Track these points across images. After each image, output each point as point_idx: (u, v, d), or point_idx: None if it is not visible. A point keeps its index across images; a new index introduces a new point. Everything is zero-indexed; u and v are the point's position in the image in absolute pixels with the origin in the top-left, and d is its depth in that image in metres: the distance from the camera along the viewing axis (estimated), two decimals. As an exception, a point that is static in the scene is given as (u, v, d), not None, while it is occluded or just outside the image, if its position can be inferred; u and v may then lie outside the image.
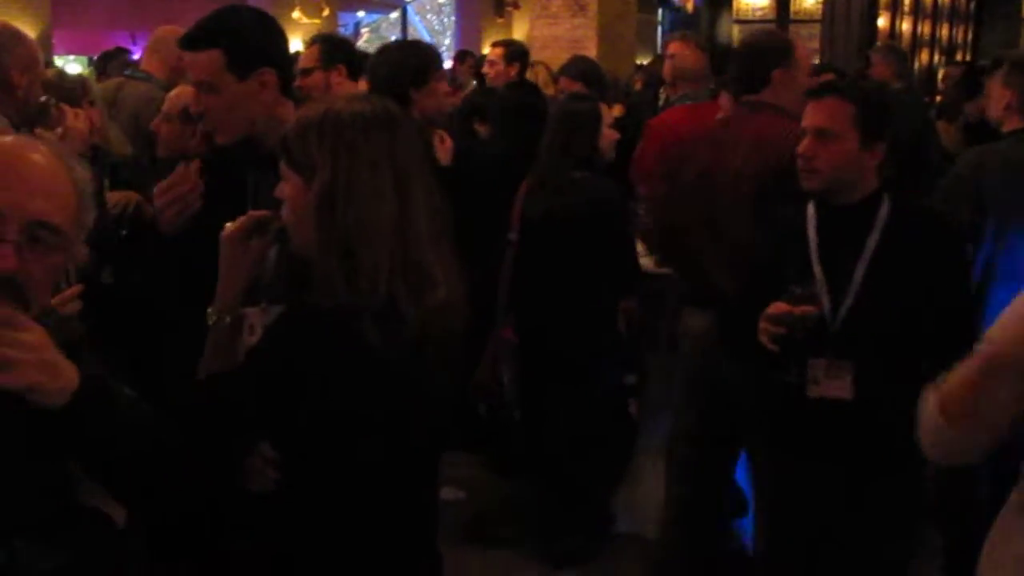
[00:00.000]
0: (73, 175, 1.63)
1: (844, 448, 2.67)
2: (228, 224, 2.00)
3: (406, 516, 1.94)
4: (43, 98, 3.34)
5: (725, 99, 3.87)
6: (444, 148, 3.62)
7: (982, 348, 1.80)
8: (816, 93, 2.73)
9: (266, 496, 1.92)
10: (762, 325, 2.57)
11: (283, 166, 1.86)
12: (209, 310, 1.98)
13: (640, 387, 4.34)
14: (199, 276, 2.14)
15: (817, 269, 2.66)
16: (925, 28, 16.58)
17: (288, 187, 1.86)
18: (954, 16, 17.64)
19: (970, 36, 17.93)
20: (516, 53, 5.92)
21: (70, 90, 3.74)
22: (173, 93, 3.77)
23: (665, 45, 5.59)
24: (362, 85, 4.06)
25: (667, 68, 5.22)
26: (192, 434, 1.74)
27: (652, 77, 7.16)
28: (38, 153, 1.60)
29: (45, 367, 1.46)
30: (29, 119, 3.19)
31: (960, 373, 1.81)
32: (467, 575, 3.90)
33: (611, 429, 4.14)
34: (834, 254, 2.66)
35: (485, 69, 5.99)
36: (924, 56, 15.85)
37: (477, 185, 4.29)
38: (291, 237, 1.90)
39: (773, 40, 3.72)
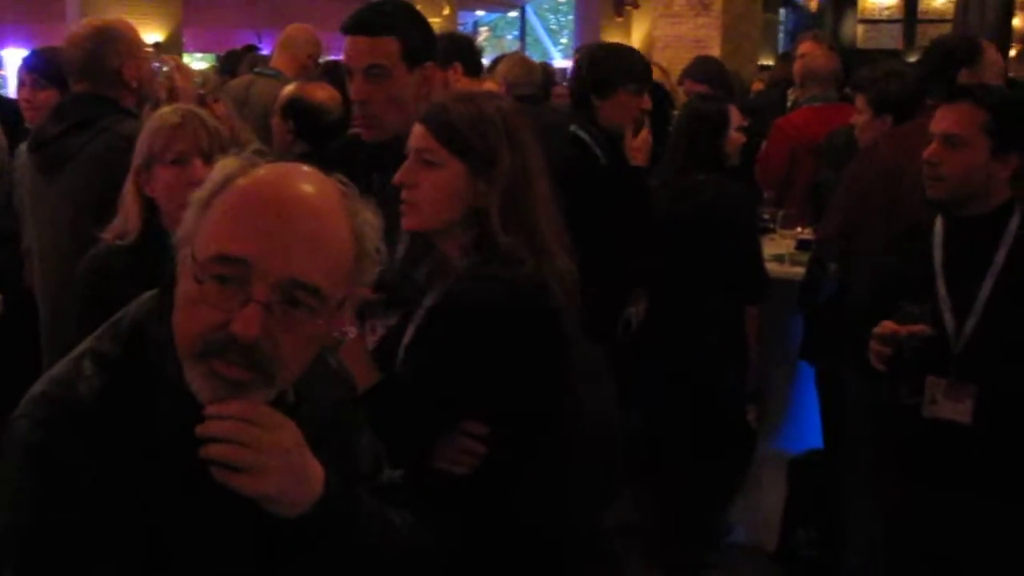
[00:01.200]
0: (356, 220, 1.29)
1: (961, 474, 2.53)
2: None
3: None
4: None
5: (861, 101, 3.76)
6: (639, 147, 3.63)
7: None
8: (949, 97, 2.60)
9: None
10: (871, 345, 2.47)
11: (438, 152, 1.90)
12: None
13: (760, 395, 4.24)
14: None
15: (941, 285, 2.54)
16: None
17: (438, 174, 1.89)
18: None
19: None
20: None
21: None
22: (285, 89, 3.80)
23: (795, 45, 5.45)
24: (489, 85, 4.06)
25: (797, 68, 5.10)
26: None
27: (776, 78, 7.03)
28: (316, 192, 1.26)
29: (293, 471, 1.24)
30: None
31: None
32: None
33: (730, 437, 4.05)
34: (960, 270, 2.54)
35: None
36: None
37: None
38: (424, 218, 1.93)
39: (960, 41, 3.63)
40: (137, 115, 3.20)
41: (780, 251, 4.31)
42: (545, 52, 19.18)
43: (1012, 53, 11.12)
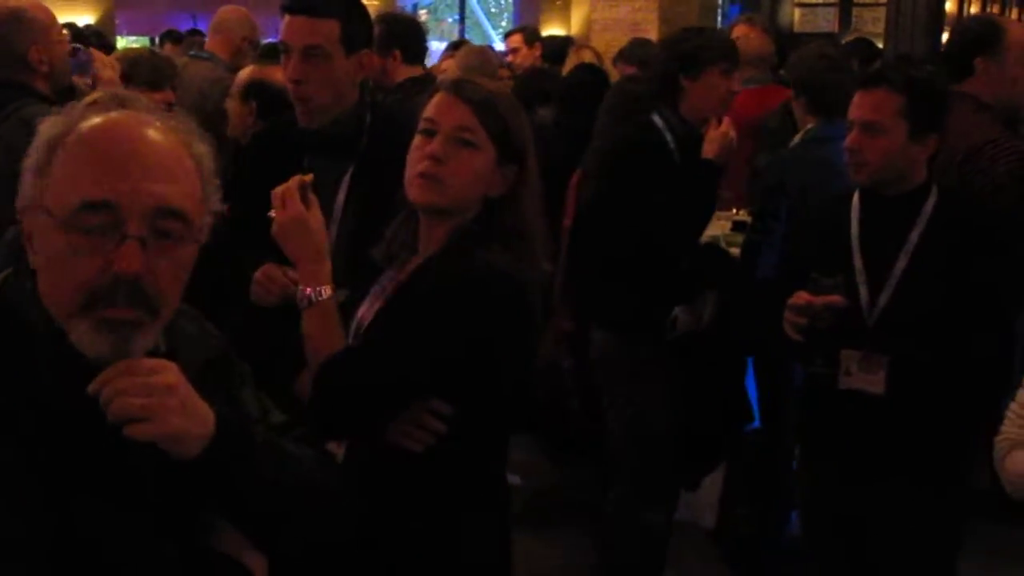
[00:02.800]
0: (192, 150, 1.36)
1: (876, 444, 2.60)
2: (278, 204, 1.93)
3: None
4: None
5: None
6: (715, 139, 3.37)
7: None
8: (864, 83, 2.64)
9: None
10: (786, 315, 2.53)
11: (477, 134, 1.89)
12: (308, 291, 1.91)
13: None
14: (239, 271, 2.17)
15: (858, 259, 2.60)
16: (995, 10, 16.18)
17: (473, 155, 1.90)
18: (1024, 0, 17.18)
19: (1040, 20, 17.46)
20: (534, 35, 5.88)
21: (161, 70, 3.77)
22: (243, 72, 3.77)
23: (729, 28, 5.49)
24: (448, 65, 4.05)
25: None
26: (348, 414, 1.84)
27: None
28: (152, 128, 1.32)
29: (186, 408, 1.27)
30: (62, 95, 3.19)
31: None
32: (521, 560, 3.90)
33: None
34: (876, 246, 2.60)
35: (508, 57, 5.94)
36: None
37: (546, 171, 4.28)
38: (448, 197, 1.91)
39: (979, 26, 3.58)
40: (51, 99, 3.14)
41: (715, 232, 4.35)
42: (485, 35, 19.11)
43: (944, 37, 11.26)
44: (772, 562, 3.83)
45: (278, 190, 1.93)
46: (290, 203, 1.91)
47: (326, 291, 1.90)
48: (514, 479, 4.51)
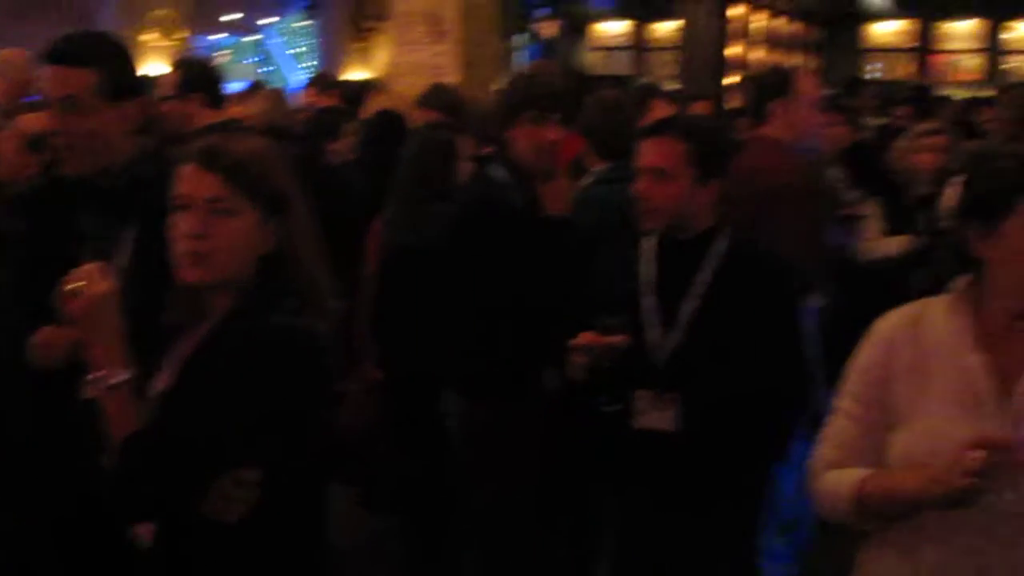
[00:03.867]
0: None
1: (668, 480, 2.67)
2: (86, 279, 1.82)
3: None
4: None
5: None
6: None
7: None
8: (650, 132, 2.72)
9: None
10: (572, 356, 2.58)
11: (231, 200, 1.82)
12: (105, 375, 1.80)
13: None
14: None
15: (649, 300, 2.67)
16: (777, 57, 17.15)
17: (235, 222, 1.82)
18: (803, 46, 18.30)
19: (818, 66, 18.61)
20: (327, 83, 5.87)
21: None
22: (32, 116, 3.59)
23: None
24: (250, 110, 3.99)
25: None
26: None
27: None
28: None
29: None
30: None
31: (892, 483, 1.88)
32: None
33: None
34: (667, 286, 2.68)
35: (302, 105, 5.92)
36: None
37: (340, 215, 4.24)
38: (219, 270, 1.84)
39: (772, 74, 3.88)
40: None
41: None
42: (286, 76, 18.88)
43: (726, 81, 11.91)
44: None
45: (85, 268, 1.83)
46: (98, 280, 1.82)
47: (123, 374, 1.80)
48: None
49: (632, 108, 3.99)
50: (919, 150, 5.02)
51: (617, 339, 2.53)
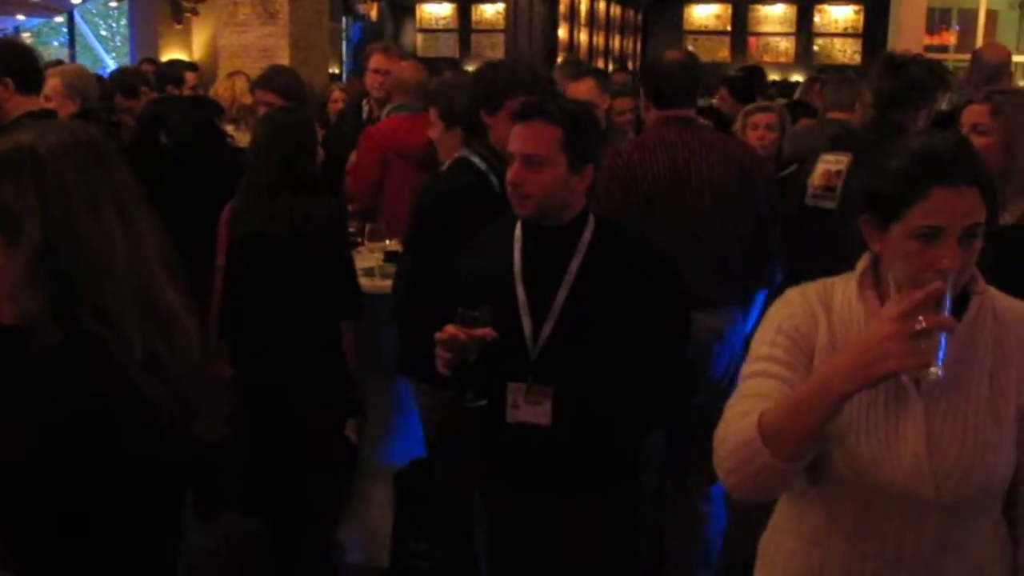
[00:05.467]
0: None
1: (544, 473, 2.62)
2: None
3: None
4: None
5: (434, 114, 3.79)
6: None
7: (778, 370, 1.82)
8: (521, 116, 2.62)
9: None
10: (437, 350, 2.50)
11: None
12: None
13: (359, 409, 4.19)
14: None
15: (520, 291, 2.60)
16: (600, 39, 17.42)
17: None
18: (624, 28, 18.65)
19: (639, 47, 19.01)
20: (133, 86, 5.58)
21: None
22: None
23: (367, 58, 5.45)
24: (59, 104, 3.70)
25: (374, 81, 5.13)
26: None
27: (355, 91, 7.04)
28: None
29: None
30: None
31: (786, 402, 1.76)
32: None
33: (331, 453, 3.96)
34: (538, 276, 2.60)
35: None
36: (600, 65, 16.63)
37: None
38: None
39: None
40: None
41: (370, 264, 4.29)
42: (98, 59, 18.06)
43: (559, 60, 11.96)
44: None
45: None
46: None
47: None
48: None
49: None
50: (751, 128, 5.16)
51: (480, 331, 2.44)
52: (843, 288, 1.93)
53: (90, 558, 1.61)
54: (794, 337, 1.89)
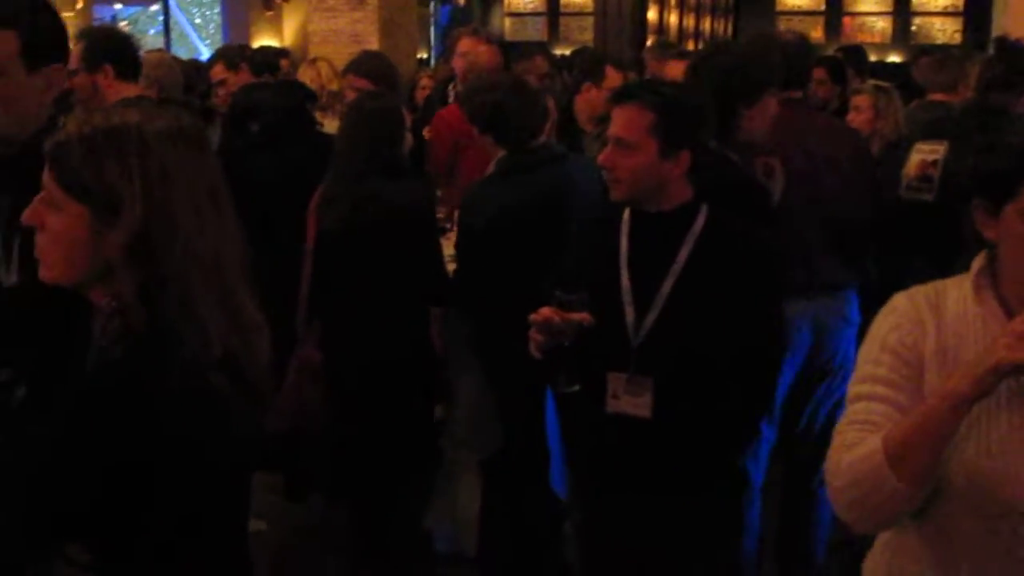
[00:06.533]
0: None
1: (643, 469, 2.55)
2: None
3: None
4: None
5: None
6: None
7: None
8: (616, 99, 2.57)
9: None
10: (531, 332, 2.43)
11: (53, 191, 1.53)
12: None
13: (449, 395, 4.17)
14: None
15: (625, 278, 2.53)
16: (690, 21, 17.17)
17: (59, 218, 1.53)
18: (715, 9, 18.34)
19: (730, 28, 18.70)
20: (235, 57, 5.62)
21: None
22: None
23: (453, 42, 5.41)
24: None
25: (459, 65, 5.08)
26: None
27: (441, 77, 7.01)
28: None
29: None
30: None
31: (909, 421, 1.66)
32: None
33: (421, 440, 3.95)
34: (644, 264, 2.54)
35: (219, 91, 5.60)
36: (691, 47, 16.40)
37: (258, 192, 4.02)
38: (51, 276, 1.57)
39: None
40: None
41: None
42: (192, 47, 18.36)
43: (649, 43, 11.80)
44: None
45: None
46: None
47: None
48: (259, 525, 4.26)
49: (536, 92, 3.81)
50: (852, 111, 4.99)
51: (577, 316, 2.38)
52: (957, 290, 1.79)
53: (167, 553, 1.57)
54: (898, 351, 1.78)
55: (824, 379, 3.51)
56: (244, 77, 5.31)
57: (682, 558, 2.60)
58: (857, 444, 1.70)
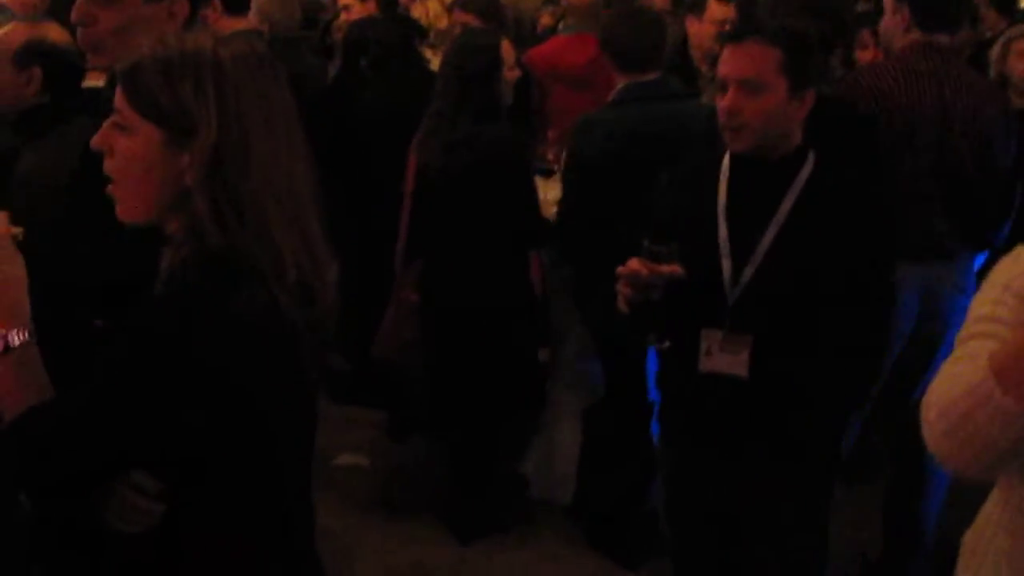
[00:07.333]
0: None
1: (736, 430, 2.41)
2: None
3: (292, 522, 1.69)
4: None
5: None
6: None
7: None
8: (734, 37, 2.36)
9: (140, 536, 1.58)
10: (618, 285, 2.29)
11: (125, 113, 1.51)
12: (6, 332, 1.54)
13: (552, 340, 4.10)
14: None
15: (723, 230, 2.37)
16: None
17: (131, 141, 1.51)
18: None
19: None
20: None
21: None
22: (2, 31, 3.29)
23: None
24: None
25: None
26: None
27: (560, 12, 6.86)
28: None
29: None
30: None
31: (1019, 331, 1.46)
32: (370, 546, 3.76)
33: (522, 388, 3.90)
34: (743, 214, 2.36)
35: (343, 15, 5.53)
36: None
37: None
38: (127, 213, 1.55)
39: None
40: None
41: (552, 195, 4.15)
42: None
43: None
44: (634, 536, 3.68)
45: None
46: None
47: (19, 336, 1.54)
48: (361, 460, 4.30)
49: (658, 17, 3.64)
50: (1015, 56, 4.54)
51: (668, 268, 2.24)
52: None
53: (236, 479, 1.58)
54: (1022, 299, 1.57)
55: (932, 352, 3.24)
56: (370, 7, 5.24)
57: (768, 522, 2.48)
58: (962, 375, 1.49)
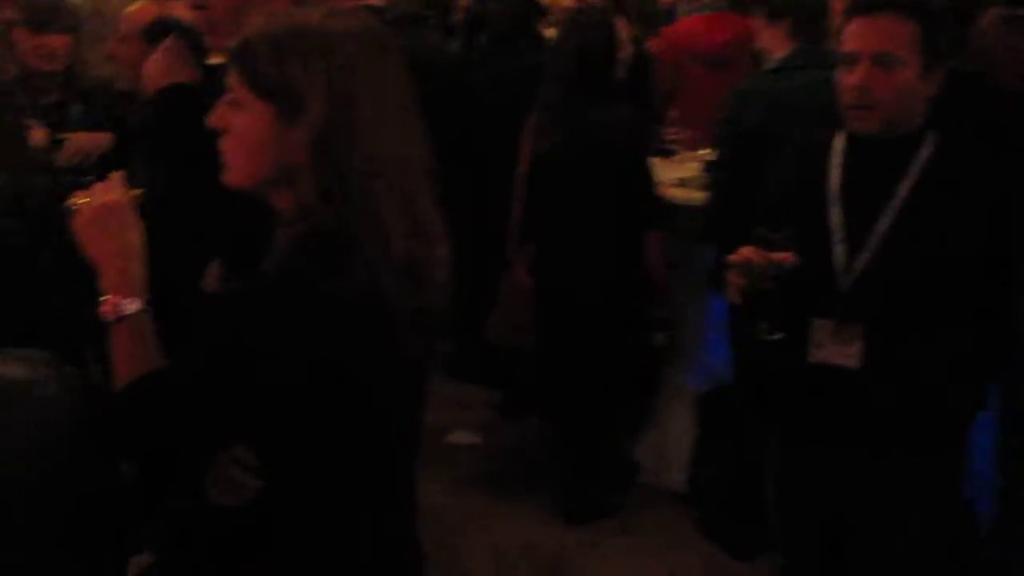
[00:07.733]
0: None
1: (848, 424, 2.29)
2: (92, 193, 1.61)
3: (387, 503, 1.69)
4: None
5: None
6: None
7: None
8: (866, 8, 2.22)
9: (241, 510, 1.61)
10: (728, 274, 2.20)
11: (238, 90, 1.53)
12: (114, 302, 1.55)
13: (668, 324, 4.04)
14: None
15: (836, 214, 2.26)
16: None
17: (243, 118, 1.52)
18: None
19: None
20: None
21: (40, 12, 3.41)
22: (132, 8, 3.39)
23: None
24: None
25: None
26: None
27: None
28: None
29: None
30: None
31: None
32: (481, 526, 3.78)
33: (635, 373, 3.86)
34: (858, 197, 2.25)
35: None
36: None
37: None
38: (234, 179, 1.56)
39: None
40: None
41: (685, 174, 4.07)
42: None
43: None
44: (746, 526, 3.60)
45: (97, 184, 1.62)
46: (104, 193, 1.60)
47: (133, 303, 1.55)
48: (474, 439, 4.32)
49: None
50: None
51: (782, 256, 2.16)
52: None
53: (334, 458, 1.58)
54: None
55: None
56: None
57: (883, 521, 2.37)
58: None
